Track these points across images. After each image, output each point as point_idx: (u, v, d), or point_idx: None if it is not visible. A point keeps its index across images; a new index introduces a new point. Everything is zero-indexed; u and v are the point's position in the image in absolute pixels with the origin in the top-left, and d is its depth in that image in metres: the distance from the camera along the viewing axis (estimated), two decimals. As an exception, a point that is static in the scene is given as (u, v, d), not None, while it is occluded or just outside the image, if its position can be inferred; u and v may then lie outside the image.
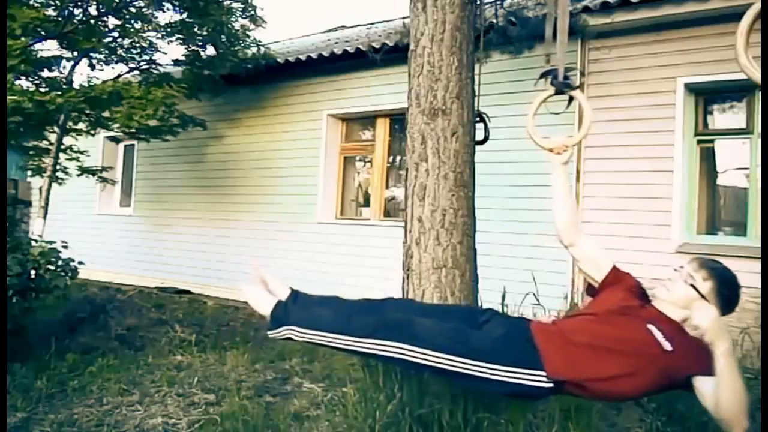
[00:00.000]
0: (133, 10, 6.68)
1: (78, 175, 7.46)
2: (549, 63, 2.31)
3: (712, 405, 1.67)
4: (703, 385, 1.70)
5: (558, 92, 2.25)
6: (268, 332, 2.00)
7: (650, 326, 1.79)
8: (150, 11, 6.81)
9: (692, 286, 1.86)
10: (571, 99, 2.29)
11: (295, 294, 2.04)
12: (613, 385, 1.78)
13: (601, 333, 1.81)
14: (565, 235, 2.12)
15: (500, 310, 3.58)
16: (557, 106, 2.32)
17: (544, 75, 2.27)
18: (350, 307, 2.01)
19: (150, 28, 6.93)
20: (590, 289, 2.15)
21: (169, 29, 6.92)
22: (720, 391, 1.63)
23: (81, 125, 7.15)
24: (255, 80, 7.53)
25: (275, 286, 2.08)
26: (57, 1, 6.20)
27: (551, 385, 1.75)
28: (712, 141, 5.23)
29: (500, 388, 1.80)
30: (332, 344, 1.91)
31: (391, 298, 2.11)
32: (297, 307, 1.99)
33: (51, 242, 4.36)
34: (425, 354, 1.78)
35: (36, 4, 6.05)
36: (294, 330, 1.94)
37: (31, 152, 7.27)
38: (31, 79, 6.53)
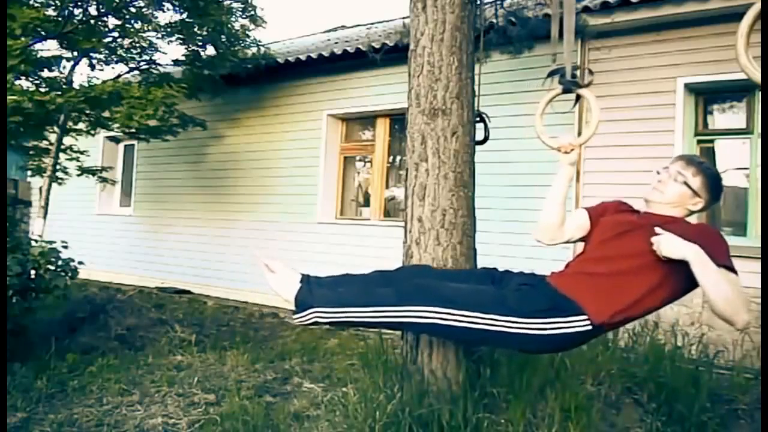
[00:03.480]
0: (133, 10, 6.68)
1: (78, 175, 7.47)
2: (555, 62, 2.30)
3: (710, 304, 1.70)
4: None
5: (566, 91, 2.25)
6: (294, 317, 1.94)
7: (658, 229, 1.81)
8: (150, 11, 6.81)
9: (684, 183, 1.90)
10: (578, 98, 2.29)
11: (306, 278, 2.01)
12: (652, 300, 1.81)
13: (619, 255, 1.83)
14: (547, 234, 2.14)
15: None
16: (563, 106, 2.32)
17: (551, 74, 2.28)
18: (370, 280, 2.01)
19: (150, 28, 6.93)
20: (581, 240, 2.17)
21: (169, 29, 6.92)
22: (707, 294, 1.68)
23: (81, 125, 7.16)
24: (255, 80, 7.53)
25: (286, 276, 2.03)
26: (57, 1, 6.20)
27: (591, 327, 1.76)
28: (712, 141, 5.23)
29: (540, 342, 1.78)
30: (362, 318, 1.86)
31: (404, 267, 2.09)
32: (320, 287, 1.96)
33: (51, 242, 4.36)
34: (461, 315, 1.75)
35: (36, 4, 6.05)
36: (320, 311, 1.89)
37: (31, 152, 7.28)
38: (31, 79, 6.53)
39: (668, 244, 1.71)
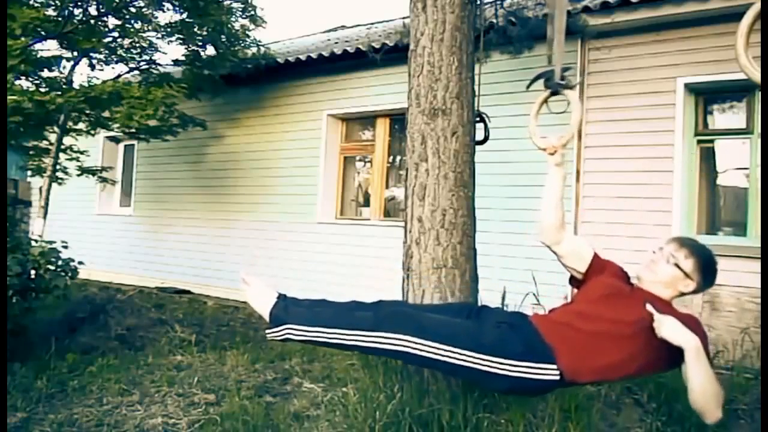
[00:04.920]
0: (133, 10, 6.68)
1: (78, 175, 7.47)
2: (551, 63, 2.31)
3: (689, 392, 1.73)
4: (684, 369, 1.74)
5: (554, 93, 2.26)
6: (267, 332, 1.97)
7: (648, 306, 1.81)
8: (150, 11, 6.81)
9: (676, 265, 1.90)
10: None
11: (283, 296, 2.02)
12: (625, 368, 1.82)
13: (604, 318, 1.83)
14: (548, 235, 2.14)
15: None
16: (559, 106, 2.32)
17: (537, 77, 2.29)
18: (347, 306, 2.00)
19: (150, 28, 6.93)
20: (573, 280, 2.18)
21: (169, 29, 6.92)
22: (691, 384, 1.70)
23: (81, 125, 7.16)
24: (255, 80, 7.53)
25: (262, 291, 2.05)
26: (57, 1, 6.20)
27: (559, 378, 1.76)
28: (712, 141, 5.23)
29: (505, 383, 1.78)
30: (334, 340, 1.88)
31: (382, 300, 2.09)
32: (296, 306, 1.97)
33: (51, 242, 4.36)
34: (432, 347, 1.76)
35: (36, 4, 6.05)
36: (294, 329, 1.91)
37: (31, 152, 7.27)
38: (31, 79, 6.53)
39: (670, 329, 1.72)
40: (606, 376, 1.86)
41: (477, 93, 3.06)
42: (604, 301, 1.90)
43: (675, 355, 1.74)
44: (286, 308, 1.95)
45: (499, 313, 2.03)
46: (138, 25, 6.87)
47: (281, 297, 2.01)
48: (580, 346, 1.78)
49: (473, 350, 1.75)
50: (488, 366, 1.74)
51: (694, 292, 1.96)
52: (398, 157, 6.89)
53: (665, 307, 1.86)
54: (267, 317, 1.97)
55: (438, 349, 1.76)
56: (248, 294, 2.05)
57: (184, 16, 6.82)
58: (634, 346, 1.78)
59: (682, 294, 1.95)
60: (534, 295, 3.92)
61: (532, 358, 1.75)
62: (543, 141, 2.18)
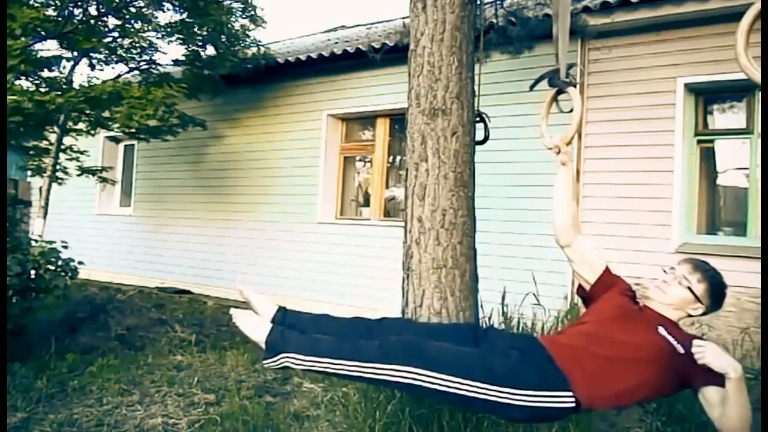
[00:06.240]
0: (133, 10, 6.68)
1: (78, 175, 7.47)
2: (558, 60, 2.32)
3: (718, 418, 1.70)
4: (712, 394, 1.71)
5: (559, 92, 2.27)
6: (264, 362, 1.87)
7: (660, 329, 1.80)
8: (150, 11, 6.81)
9: (688, 288, 1.89)
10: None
11: (283, 312, 1.94)
12: (634, 395, 1.80)
13: (617, 341, 1.80)
14: (562, 235, 2.14)
15: (500, 311, 3.58)
16: (569, 105, 2.32)
17: (540, 78, 2.30)
18: (350, 330, 1.92)
19: (150, 28, 6.93)
20: (580, 290, 2.16)
21: (169, 29, 6.92)
22: (729, 411, 1.67)
23: (81, 125, 7.15)
24: (255, 80, 7.53)
25: (261, 303, 1.97)
26: (57, 1, 6.20)
27: (575, 405, 1.72)
28: (712, 141, 5.23)
29: (521, 414, 1.72)
30: (335, 371, 1.79)
31: (386, 319, 2.03)
32: (295, 331, 1.88)
33: (51, 242, 4.36)
34: (440, 379, 1.69)
35: (36, 4, 6.05)
36: (293, 358, 1.80)
37: (31, 152, 7.27)
38: (31, 79, 6.53)
39: (714, 354, 1.68)
40: (621, 402, 1.83)
41: (477, 93, 3.06)
42: (614, 322, 1.88)
43: (686, 380, 1.74)
44: (283, 334, 1.85)
45: (508, 336, 1.99)
46: (138, 25, 6.87)
47: (280, 314, 1.92)
48: (596, 373, 1.74)
49: (486, 382, 1.68)
50: (503, 398, 1.68)
51: (702, 314, 1.95)
52: (398, 157, 6.89)
53: (673, 328, 1.85)
54: (263, 345, 1.86)
55: (449, 381, 1.69)
56: (239, 320, 1.94)
57: (184, 16, 6.82)
58: (647, 371, 1.76)
59: (690, 316, 1.94)
60: (534, 295, 3.91)
61: (547, 387, 1.70)
62: (549, 140, 2.21)
